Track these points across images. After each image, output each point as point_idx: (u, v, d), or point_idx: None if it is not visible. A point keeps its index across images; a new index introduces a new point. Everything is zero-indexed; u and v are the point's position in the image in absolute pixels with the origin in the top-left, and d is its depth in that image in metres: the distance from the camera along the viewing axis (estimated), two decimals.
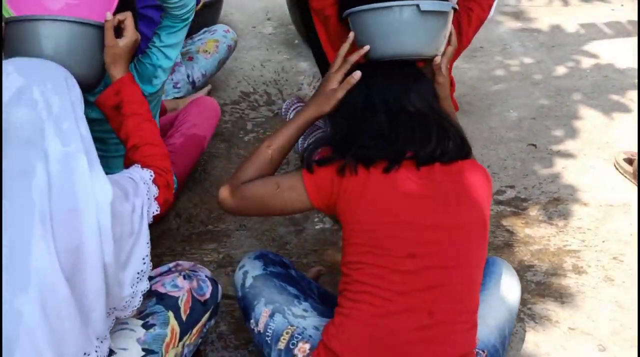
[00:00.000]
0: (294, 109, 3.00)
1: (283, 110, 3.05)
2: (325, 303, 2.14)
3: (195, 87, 3.36)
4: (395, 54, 2.02)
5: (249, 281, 2.14)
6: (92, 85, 2.03)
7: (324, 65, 3.23)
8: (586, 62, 3.95)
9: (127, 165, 1.95)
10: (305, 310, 2.05)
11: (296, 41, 4.02)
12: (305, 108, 2.08)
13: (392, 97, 1.96)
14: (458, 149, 1.94)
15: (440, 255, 1.87)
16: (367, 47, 2.03)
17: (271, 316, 2.06)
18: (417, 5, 1.94)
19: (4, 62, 1.71)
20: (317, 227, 2.79)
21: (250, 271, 2.16)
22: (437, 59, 2.04)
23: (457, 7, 2.04)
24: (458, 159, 1.94)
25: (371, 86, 2.00)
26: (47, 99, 1.63)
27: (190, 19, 2.39)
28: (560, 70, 3.88)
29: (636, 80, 3.72)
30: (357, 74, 2.01)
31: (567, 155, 3.17)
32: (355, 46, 2.09)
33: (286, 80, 3.69)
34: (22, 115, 1.59)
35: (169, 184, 1.93)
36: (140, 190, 1.79)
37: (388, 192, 1.87)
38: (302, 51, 3.93)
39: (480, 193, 1.93)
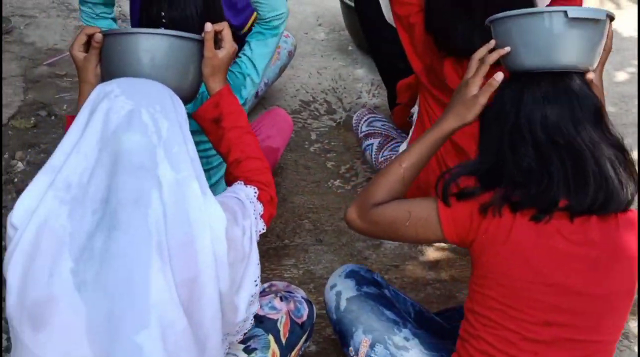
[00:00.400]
0: (365, 121, 2.95)
1: (354, 123, 3.00)
2: (424, 326, 2.08)
3: (257, 97, 3.31)
4: (542, 65, 1.76)
5: (343, 304, 2.09)
6: (189, 99, 1.97)
7: (388, 72, 3.18)
8: None
9: (230, 180, 1.90)
10: (406, 339, 2.00)
11: (350, 47, 3.96)
12: (442, 120, 1.85)
13: (548, 122, 1.68)
14: (619, 198, 1.65)
15: (579, 327, 1.68)
16: (507, 49, 1.80)
17: (372, 346, 2.02)
18: (565, 12, 1.73)
19: (108, 82, 1.67)
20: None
21: (343, 291, 2.10)
22: (590, 75, 1.77)
23: (613, 15, 1.82)
24: (618, 211, 1.67)
25: (524, 102, 1.72)
26: (156, 122, 1.59)
27: (280, 30, 2.42)
28: (621, 76, 3.82)
29: None
30: (499, 76, 1.78)
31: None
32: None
33: (344, 88, 3.63)
34: (135, 141, 1.55)
35: (272, 198, 1.87)
36: (248, 210, 1.75)
37: (534, 245, 1.65)
38: (357, 57, 3.87)
39: (635, 259, 1.68)
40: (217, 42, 1.96)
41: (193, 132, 2.06)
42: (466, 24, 2.34)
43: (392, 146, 2.85)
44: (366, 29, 3.23)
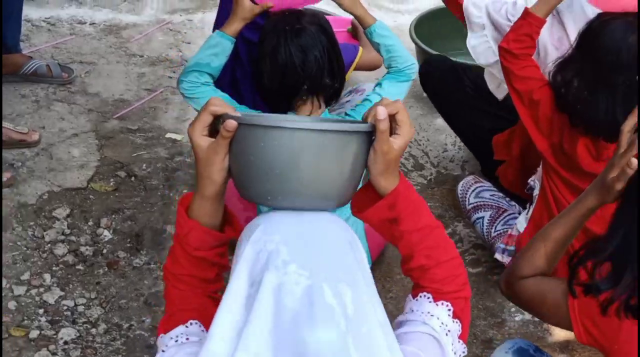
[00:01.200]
0: (472, 192, 2.80)
1: (459, 193, 2.84)
2: None
3: None
4: None
5: None
6: (344, 204, 1.49)
7: (473, 138, 3.09)
8: None
9: (412, 281, 1.56)
10: None
11: (424, 94, 3.82)
12: (584, 196, 1.77)
13: None
14: None
15: None
16: None
17: None
18: None
19: (265, 229, 1.32)
20: (516, 318, 2.61)
21: None
22: None
23: None
24: None
25: None
26: (341, 297, 1.25)
27: (413, 78, 2.54)
28: None
29: None
30: (634, 164, 1.66)
31: None
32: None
33: (427, 140, 3.49)
34: (323, 341, 1.22)
35: (467, 298, 1.56)
36: (445, 350, 1.46)
37: None
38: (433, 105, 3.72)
39: None
40: (392, 129, 1.45)
41: None
42: (608, 98, 2.22)
43: (506, 219, 2.70)
44: (437, 102, 3.18)
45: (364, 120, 1.43)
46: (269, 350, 1.21)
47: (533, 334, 2.55)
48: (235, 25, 2.45)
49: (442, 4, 3.88)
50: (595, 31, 2.24)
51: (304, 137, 1.34)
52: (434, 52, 3.45)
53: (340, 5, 2.51)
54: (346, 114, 2.55)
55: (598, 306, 1.62)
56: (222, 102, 1.41)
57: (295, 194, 1.37)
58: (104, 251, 2.81)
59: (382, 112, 1.38)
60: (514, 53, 2.39)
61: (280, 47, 2.39)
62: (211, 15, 4.12)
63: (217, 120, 1.39)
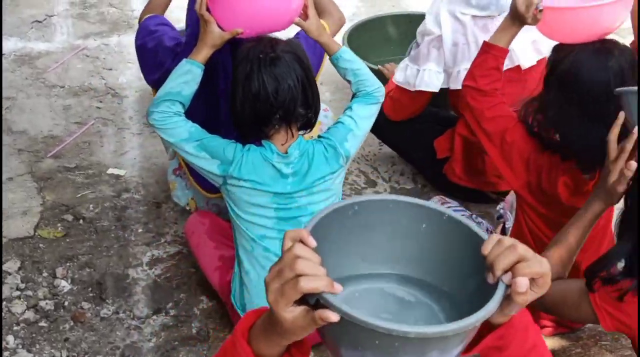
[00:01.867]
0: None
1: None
2: None
3: None
4: None
5: None
6: None
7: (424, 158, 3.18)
8: None
9: None
10: None
11: None
12: (590, 204, 1.96)
13: None
14: None
15: None
16: (636, 131, 1.87)
17: None
18: None
19: None
20: None
21: None
22: None
23: None
24: None
25: None
26: None
27: (382, 100, 2.51)
28: None
29: None
30: (633, 165, 1.84)
31: None
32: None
33: (374, 155, 3.47)
34: None
35: None
36: None
37: None
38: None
39: None
40: None
41: None
42: (601, 127, 2.11)
43: None
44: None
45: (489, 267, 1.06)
46: None
47: None
48: (204, 52, 2.37)
49: (370, 16, 3.93)
50: (571, 71, 2.16)
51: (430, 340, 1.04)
52: (370, 65, 3.43)
53: (307, 32, 2.46)
54: (319, 136, 2.48)
55: (616, 293, 1.80)
56: (315, 268, 0.99)
57: None
58: (66, 303, 2.64)
59: (523, 285, 1.04)
60: (484, 90, 2.33)
61: (253, 74, 2.30)
62: (127, 39, 3.99)
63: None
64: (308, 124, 2.42)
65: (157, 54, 2.60)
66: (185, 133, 2.38)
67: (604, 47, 2.16)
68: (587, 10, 2.13)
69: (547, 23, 2.19)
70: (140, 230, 2.95)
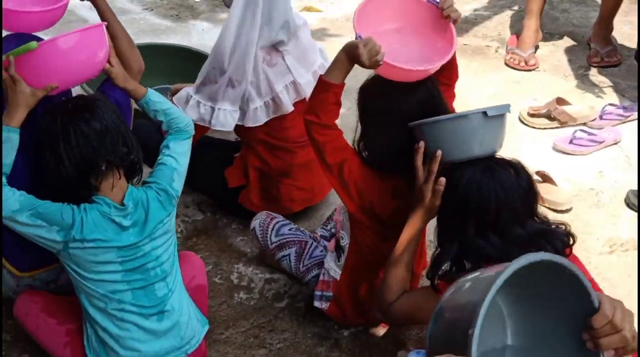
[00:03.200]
0: (272, 230, 2.86)
1: (258, 231, 2.88)
2: None
3: None
4: (467, 156, 2.18)
5: None
6: None
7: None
8: None
9: None
10: None
11: None
12: (412, 222, 2.27)
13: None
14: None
15: None
16: (439, 153, 2.20)
17: None
18: (485, 113, 2.16)
19: None
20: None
21: None
22: None
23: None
24: None
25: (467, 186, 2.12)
26: None
27: (192, 133, 2.56)
28: None
29: None
30: (443, 181, 2.17)
31: None
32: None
33: None
34: None
35: None
36: None
37: None
38: None
39: None
40: None
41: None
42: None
43: (310, 252, 2.82)
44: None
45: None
46: None
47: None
48: (19, 115, 2.26)
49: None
50: (372, 103, 2.45)
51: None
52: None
53: (114, 79, 2.42)
54: (145, 183, 2.44)
55: None
56: None
57: None
58: None
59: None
60: (327, 124, 2.41)
61: (69, 126, 2.27)
62: None
63: None
64: (133, 168, 2.38)
65: None
66: (15, 204, 2.23)
67: (408, 85, 2.39)
68: (416, 72, 2.36)
69: (383, 70, 2.38)
70: None
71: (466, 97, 3.73)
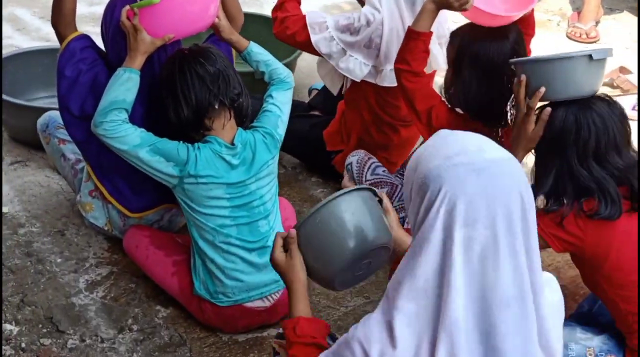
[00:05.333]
0: (369, 168, 2.98)
1: (355, 168, 2.97)
2: None
3: None
4: (566, 97, 2.25)
5: None
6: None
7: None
8: None
9: None
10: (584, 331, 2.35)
11: None
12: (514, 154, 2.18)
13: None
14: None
15: None
16: (542, 89, 2.26)
17: (566, 347, 2.26)
18: (590, 56, 2.25)
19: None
20: None
21: None
22: None
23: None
24: None
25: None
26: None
27: (293, 84, 2.73)
28: None
29: None
30: (548, 110, 2.24)
31: None
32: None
33: None
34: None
35: None
36: None
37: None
38: None
39: None
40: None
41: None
42: (500, 89, 2.55)
43: (399, 196, 2.91)
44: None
45: None
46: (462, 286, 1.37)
47: None
48: (138, 60, 2.47)
49: None
50: (475, 51, 2.54)
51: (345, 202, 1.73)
52: None
53: (220, 31, 2.62)
54: (253, 126, 2.62)
55: (556, 222, 2.17)
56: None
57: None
58: (23, 344, 2.50)
59: None
60: (417, 71, 2.57)
61: (184, 68, 2.48)
62: None
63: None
64: (242, 110, 2.56)
65: (92, 89, 2.58)
66: (137, 139, 2.43)
67: (498, 29, 2.55)
68: (501, 18, 2.54)
69: (469, 13, 2.54)
70: (59, 260, 2.84)
71: None
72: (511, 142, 2.37)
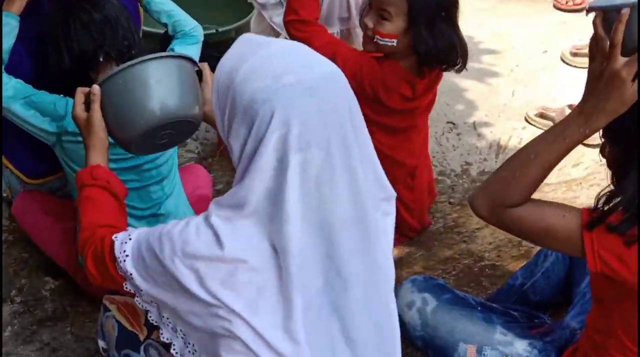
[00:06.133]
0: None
1: None
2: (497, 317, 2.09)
3: None
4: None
5: (430, 318, 2.05)
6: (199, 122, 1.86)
7: None
8: None
9: None
10: (503, 334, 2.01)
11: None
12: (590, 118, 1.56)
13: None
14: None
15: None
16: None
17: (479, 351, 2.00)
18: None
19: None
20: None
21: (424, 306, 2.07)
22: None
23: None
24: None
25: None
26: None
27: (200, 39, 2.49)
28: None
29: None
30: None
31: None
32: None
33: None
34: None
35: None
36: None
37: None
38: None
39: None
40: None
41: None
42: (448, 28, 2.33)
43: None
44: None
45: None
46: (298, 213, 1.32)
47: None
48: (18, 2, 2.21)
49: None
50: None
51: (155, 68, 1.72)
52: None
53: None
54: None
55: (622, 242, 1.58)
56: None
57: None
58: None
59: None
60: (306, 19, 2.37)
61: (69, 17, 2.23)
62: None
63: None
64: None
65: None
66: (10, 90, 2.21)
67: None
68: None
69: None
70: None
71: (511, 38, 3.89)
72: (587, 102, 1.58)
